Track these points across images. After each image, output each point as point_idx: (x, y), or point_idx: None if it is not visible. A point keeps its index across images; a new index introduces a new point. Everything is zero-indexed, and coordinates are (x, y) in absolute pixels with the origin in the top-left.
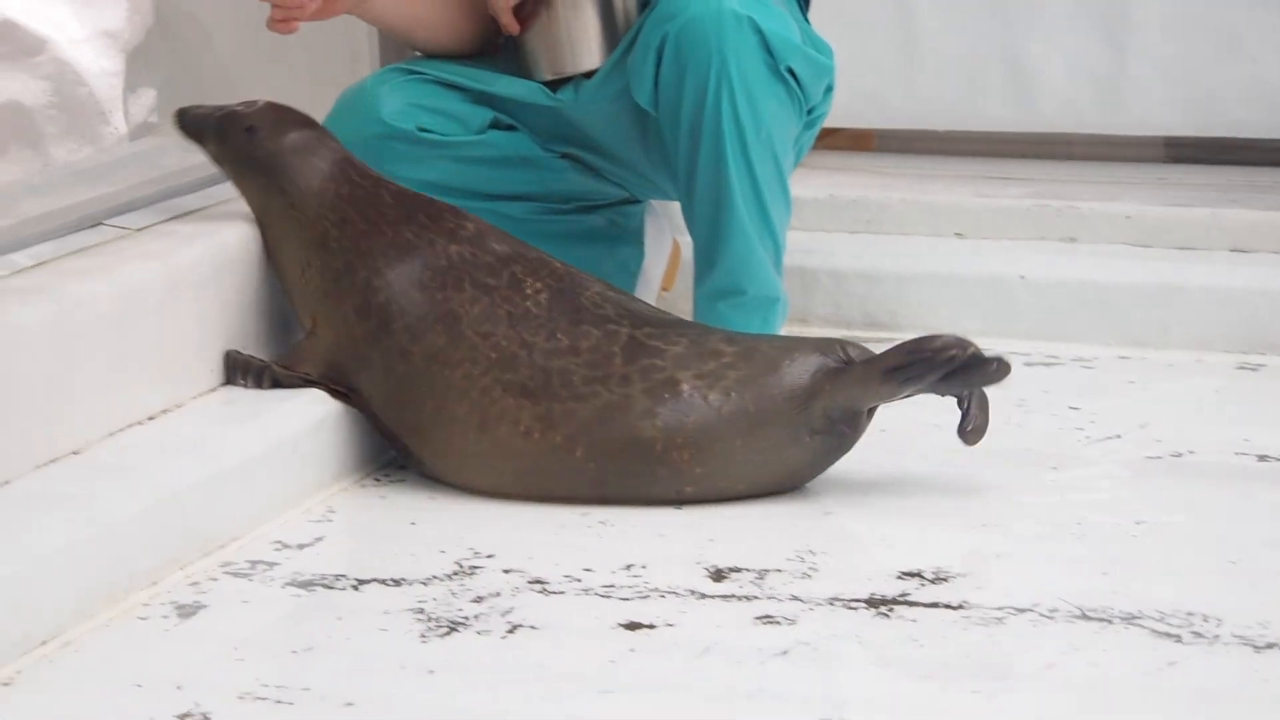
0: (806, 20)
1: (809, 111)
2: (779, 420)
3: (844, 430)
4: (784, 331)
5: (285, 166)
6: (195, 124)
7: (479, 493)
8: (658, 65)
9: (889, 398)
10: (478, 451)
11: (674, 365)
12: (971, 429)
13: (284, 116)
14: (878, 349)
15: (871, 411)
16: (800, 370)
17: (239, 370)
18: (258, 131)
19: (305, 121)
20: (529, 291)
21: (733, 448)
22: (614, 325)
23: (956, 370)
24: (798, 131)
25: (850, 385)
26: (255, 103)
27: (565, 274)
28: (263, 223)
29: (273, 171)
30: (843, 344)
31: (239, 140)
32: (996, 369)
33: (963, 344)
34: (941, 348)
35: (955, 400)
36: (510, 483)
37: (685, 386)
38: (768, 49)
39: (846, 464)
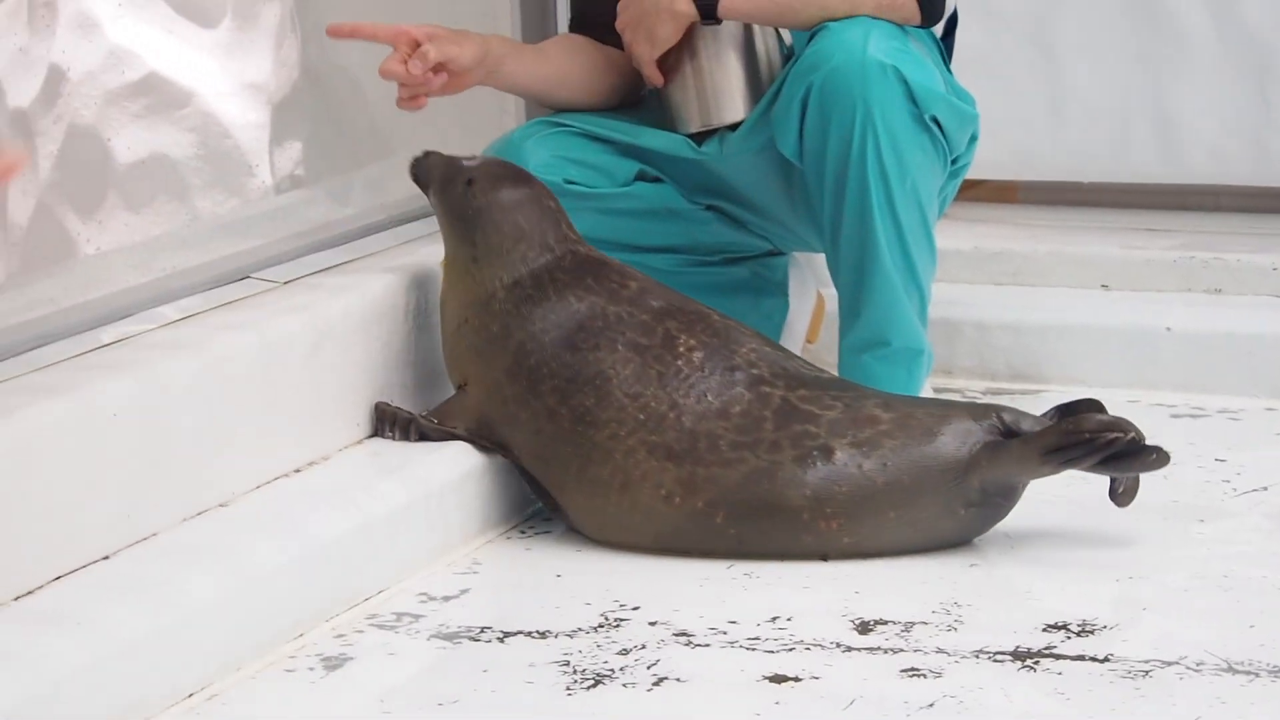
0: (949, 71)
1: (953, 161)
2: (935, 492)
3: (999, 502)
4: (929, 383)
5: (487, 222)
6: (423, 172)
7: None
8: (802, 116)
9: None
10: (618, 512)
11: (828, 432)
12: (1123, 490)
13: (503, 172)
14: (1022, 403)
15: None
16: (957, 441)
17: (386, 422)
18: (475, 183)
19: (523, 178)
20: (682, 349)
21: (885, 520)
22: (767, 387)
23: (1116, 455)
24: (942, 181)
25: (1007, 463)
26: (478, 157)
27: (722, 329)
28: (447, 272)
29: (474, 225)
30: (998, 411)
31: (458, 191)
32: (1156, 458)
33: (1123, 426)
34: (1102, 429)
35: None
36: (648, 543)
37: (840, 455)
38: (912, 98)
39: None
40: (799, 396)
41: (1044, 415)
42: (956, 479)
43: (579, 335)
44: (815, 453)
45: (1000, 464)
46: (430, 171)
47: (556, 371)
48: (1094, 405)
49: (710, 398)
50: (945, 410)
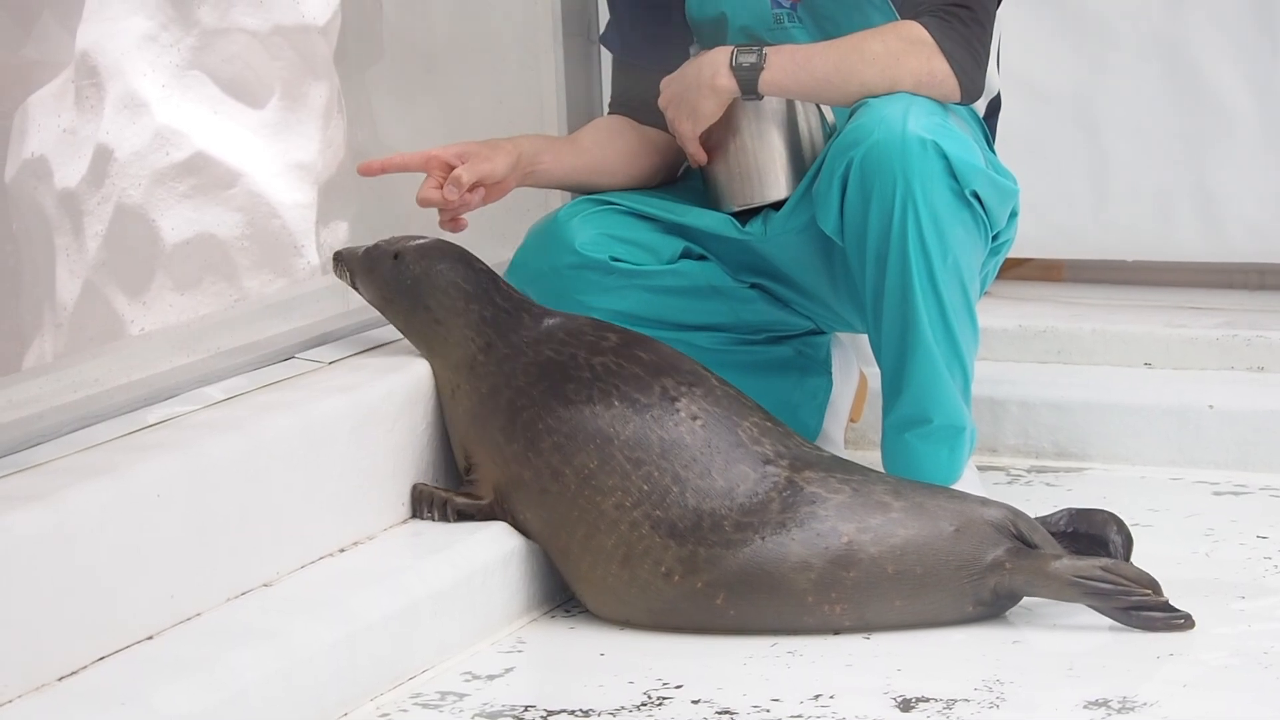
0: (991, 149)
1: (994, 237)
2: (947, 587)
3: (1005, 604)
4: (972, 460)
5: (431, 288)
6: (345, 262)
7: (610, 623)
8: (843, 192)
9: (1064, 600)
10: (616, 585)
11: (836, 516)
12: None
13: (429, 243)
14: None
15: None
16: (976, 541)
17: (424, 503)
18: (404, 256)
19: (450, 248)
20: (683, 416)
21: (890, 607)
22: (772, 466)
23: (1141, 608)
24: (984, 257)
25: (1033, 574)
26: (402, 236)
27: (722, 397)
28: (417, 342)
29: (417, 293)
30: (1010, 513)
31: (386, 267)
32: (1182, 623)
33: (1157, 586)
34: (1138, 581)
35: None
36: (642, 618)
37: (848, 540)
38: (952, 173)
39: None
40: (804, 478)
41: (1054, 516)
42: (972, 578)
43: (568, 386)
44: (822, 536)
45: (1024, 574)
46: (351, 262)
47: (553, 427)
48: (1108, 516)
49: (715, 475)
50: (959, 505)
